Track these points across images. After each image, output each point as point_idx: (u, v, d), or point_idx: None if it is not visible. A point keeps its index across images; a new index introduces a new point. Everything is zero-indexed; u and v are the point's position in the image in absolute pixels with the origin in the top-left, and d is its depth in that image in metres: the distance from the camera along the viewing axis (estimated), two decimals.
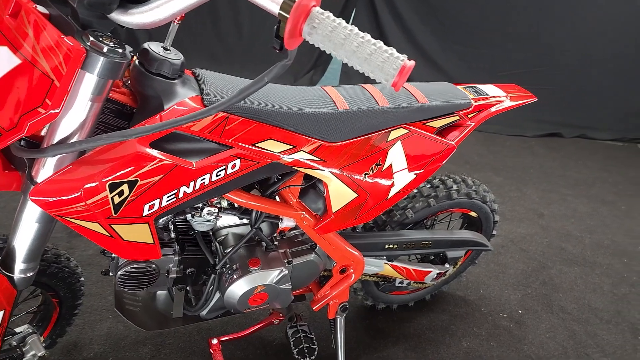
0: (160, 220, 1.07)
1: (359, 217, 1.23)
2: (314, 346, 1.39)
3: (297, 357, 1.38)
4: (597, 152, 3.99)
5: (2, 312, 0.95)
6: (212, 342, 1.38)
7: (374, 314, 1.85)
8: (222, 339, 1.42)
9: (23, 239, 0.91)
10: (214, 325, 1.68)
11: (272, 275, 1.19)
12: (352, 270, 1.38)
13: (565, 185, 3.25)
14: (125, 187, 0.83)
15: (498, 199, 2.85)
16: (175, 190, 0.90)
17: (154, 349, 1.56)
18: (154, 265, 1.09)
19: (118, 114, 0.87)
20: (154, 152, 0.84)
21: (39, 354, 1.08)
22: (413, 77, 3.78)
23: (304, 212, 1.18)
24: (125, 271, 1.07)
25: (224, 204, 1.12)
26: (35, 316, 1.36)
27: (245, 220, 1.21)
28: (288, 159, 1.02)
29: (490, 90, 1.41)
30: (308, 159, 1.05)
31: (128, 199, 0.85)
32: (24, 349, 1.09)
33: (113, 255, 1.09)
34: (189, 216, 1.07)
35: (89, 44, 0.69)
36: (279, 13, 0.59)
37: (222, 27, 3.94)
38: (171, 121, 0.73)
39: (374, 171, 1.18)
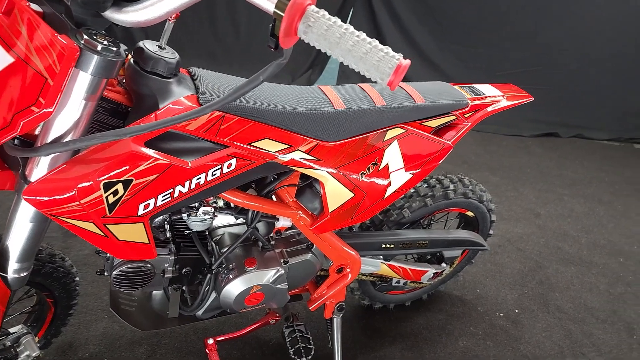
0: (156, 220, 1.06)
1: (356, 217, 1.23)
2: (311, 346, 1.39)
3: (293, 357, 1.37)
4: (594, 152, 4.00)
5: None
6: (208, 342, 1.38)
7: (370, 314, 1.85)
8: (218, 339, 1.42)
9: (17, 239, 0.90)
10: (210, 325, 1.67)
11: (269, 275, 1.19)
12: (348, 270, 1.38)
13: (562, 185, 3.25)
14: (119, 187, 0.83)
15: (495, 198, 2.86)
16: (171, 190, 0.89)
17: (150, 349, 1.56)
18: (149, 265, 1.09)
19: (113, 113, 0.86)
20: (149, 152, 0.83)
21: (34, 355, 1.07)
22: (410, 77, 3.78)
23: (300, 212, 1.18)
24: (120, 271, 1.06)
25: (220, 203, 1.11)
26: (30, 316, 1.35)
27: (241, 220, 1.21)
28: (284, 158, 1.01)
29: (487, 90, 1.41)
30: (304, 159, 1.04)
31: (123, 199, 0.85)
32: (18, 350, 1.08)
33: (108, 255, 1.08)
34: (184, 216, 1.06)
35: (82, 42, 0.69)
36: (274, 11, 0.59)
37: (220, 27, 3.93)
38: (166, 120, 0.73)
39: (371, 171, 1.18)
